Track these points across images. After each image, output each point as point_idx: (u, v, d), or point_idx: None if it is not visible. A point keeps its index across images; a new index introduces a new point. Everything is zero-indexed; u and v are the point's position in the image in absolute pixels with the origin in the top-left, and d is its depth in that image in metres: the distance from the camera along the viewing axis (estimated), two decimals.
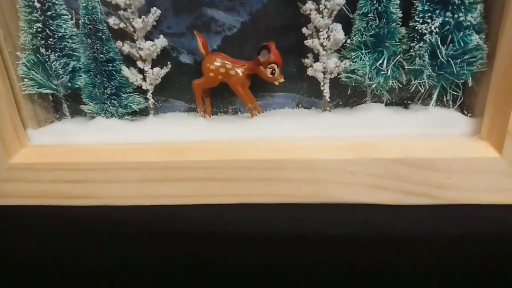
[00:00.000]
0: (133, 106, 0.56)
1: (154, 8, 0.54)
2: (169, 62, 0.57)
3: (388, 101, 0.55)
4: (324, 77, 0.53)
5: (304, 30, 0.53)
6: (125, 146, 0.55)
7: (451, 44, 0.47)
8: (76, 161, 0.54)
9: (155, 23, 0.55)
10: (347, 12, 0.51)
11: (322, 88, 0.54)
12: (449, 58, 0.48)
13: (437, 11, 0.47)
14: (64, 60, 0.53)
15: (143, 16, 0.52)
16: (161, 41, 0.55)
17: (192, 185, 0.53)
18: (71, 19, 0.55)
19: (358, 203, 0.50)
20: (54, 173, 0.55)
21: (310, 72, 0.53)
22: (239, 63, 0.55)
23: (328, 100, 0.55)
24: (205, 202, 0.54)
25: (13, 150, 0.56)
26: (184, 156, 0.53)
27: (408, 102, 0.56)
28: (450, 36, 0.47)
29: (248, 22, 0.55)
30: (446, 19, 0.46)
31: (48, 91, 0.55)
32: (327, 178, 0.50)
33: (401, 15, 0.49)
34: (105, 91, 0.54)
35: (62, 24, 0.53)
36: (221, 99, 0.60)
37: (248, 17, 0.55)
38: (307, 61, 0.54)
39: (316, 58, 0.53)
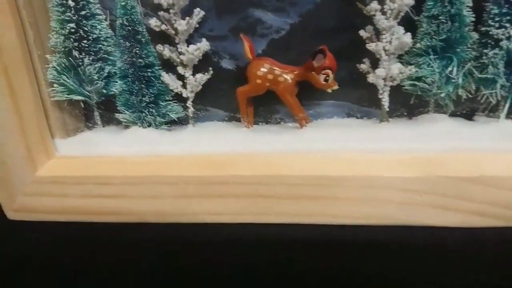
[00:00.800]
0: (171, 115, 0.52)
1: (198, 9, 0.49)
2: (210, 68, 0.52)
3: (452, 112, 0.50)
4: (384, 84, 0.48)
5: (362, 32, 0.48)
6: (162, 158, 0.50)
7: None
8: (108, 174, 0.50)
9: (197, 25, 0.50)
10: (410, 14, 0.47)
11: (380, 97, 0.49)
12: None
13: None
14: (99, 65, 0.49)
15: (187, 18, 0.48)
16: (204, 45, 0.50)
17: (235, 202, 0.48)
18: (105, 19, 0.50)
19: (423, 225, 0.46)
20: (84, 187, 0.50)
21: (371, 79, 0.48)
22: (288, 68, 0.50)
23: (387, 109, 0.50)
24: (249, 220, 0.49)
25: (39, 161, 0.51)
26: (227, 170, 0.48)
27: (473, 112, 0.51)
28: None
29: (297, 23, 0.51)
30: None
31: (79, 97, 0.51)
32: (389, 197, 0.45)
33: (474, 18, 0.45)
34: (143, 98, 0.50)
35: (96, 24, 0.48)
36: (263, 108, 0.56)
37: (298, 19, 0.50)
38: (363, 66, 0.50)
39: (374, 64, 0.49)
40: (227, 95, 0.54)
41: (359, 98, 0.53)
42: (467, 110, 0.51)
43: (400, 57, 0.48)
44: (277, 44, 0.52)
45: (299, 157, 0.49)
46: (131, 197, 0.50)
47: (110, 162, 0.51)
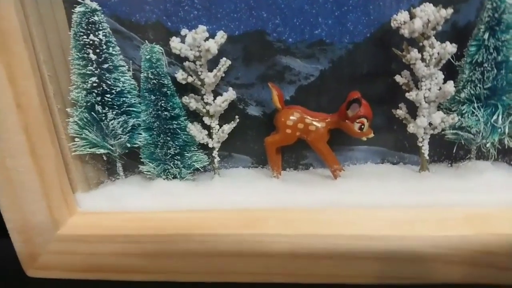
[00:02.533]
0: (196, 165, 0.49)
1: (224, 58, 0.47)
2: (237, 116, 0.50)
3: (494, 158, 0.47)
4: (425, 133, 0.46)
5: (398, 78, 0.45)
6: (188, 214, 0.47)
7: None
8: (132, 232, 0.47)
9: (223, 75, 0.48)
10: (451, 60, 0.44)
11: (420, 145, 0.47)
12: None
13: None
14: (123, 118, 0.47)
15: (214, 70, 0.46)
16: (230, 95, 0.48)
17: (268, 261, 0.45)
18: (128, 70, 0.49)
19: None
20: (108, 246, 0.47)
21: (411, 129, 0.45)
22: (319, 116, 0.48)
23: (427, 158, 0.47)
24: (283, 281, 0.46)
25: (61, 218, 0.49)
26: (259, 228, 0.45)
27: None
28: None
29: (328, 70, 0.48)
30: None
31: (102, 151, 0.49)
32: (435, 258, 0.42)
33: None
34: (168, 151, 0.47)
35: (120, 77, 0.46)
36: (290, 153, 0.53)
37: (329, 65, 0.48)
38: (400, 112, 0.47)
39: (410, 108, 0.46)
40: (253, 141, 0.52)
41: (394, 144, 0.51)
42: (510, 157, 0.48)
43: (440, 103, 0.45)
44: (306, 90, 0.50)
45: (336, 213, 0.45)
46: (160, 256, 0.47)
47: (135, 219, 0.48)
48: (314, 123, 0.47)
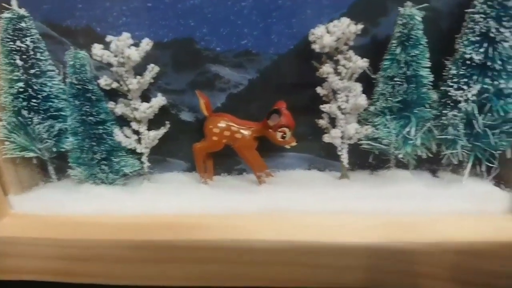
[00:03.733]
0: (125, 170, 0.50)
1: (152, 65, 0.48)
2: (167, 122, 0.51)
3: (414, 167, 0.49)
4: (342, 142, 0.47)
5: (319, 89, 0.47)
6: (115, 219, 0.48)
7: (489, 113, 0.41)
8: (63, 236, 0.47)
9: (152, 81, 0.49)
10: (368, 72, 0.46)
11: (339, 153, 0.48)
12: (486, 128, 0.42)
13: (474, 77, 0.41)
14: (49, 123, 0.48)
15: (138, 77, 0.46)
16: (159, 100, 0.49)
17: (187, 268, 0.46)
18: (59, 73, 0.49)
19: None
20: (38, 248, 0.48)
21: (326, 139, 0.47)
22: (246, 125, 0.49)
23: (347, 166, 0.49)
24: (216, 284, 0.47)
25: None
26: (181, 235, 0.46)
27: (436, 169, 0.49)
28: (489, 104, 0.41)
29: (256, 79, 0.50)
30: (485, 86, 0.40)
31: (31, 154, 0.49)
32: (354, 263, 0.43)
33: (433, 78, 0.43)
34: (95, 156, 0.48)
35: (47, 82, 0.47)
36: (224, 158, 0.54)
37: (256, 74, 0.49)
38: (322, 122, 0.48)
39: (333, 120, 0.47)
40: (187, 146, 0.53)
41: (320, 151, 0.52)
42: (431, 166, 0.50)
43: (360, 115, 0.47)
44: (236, 98, 0.51)
45: (257, 219, 0.47)
46: (88, 260, 0.48)
47: (62, 223, 0.49)
48: (241, 131, 0.48)
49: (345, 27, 0.41)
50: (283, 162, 0.54)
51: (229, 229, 0.46)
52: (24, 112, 0.46)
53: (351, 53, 0.44)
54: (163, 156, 0.54)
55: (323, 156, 0.53)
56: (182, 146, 0.54)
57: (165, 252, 0.46)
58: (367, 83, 0.46)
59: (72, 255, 0.47)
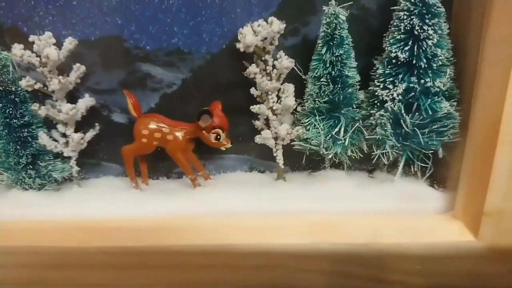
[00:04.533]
0: (54, 175, 0.48)
1: (77, 64, 0.46)
2: (97, 124, 0.49)
3: (349, 166, 0.48)
4: (276, 143, 0.46)
5: (252, 90, 0.46)
6: (39, 225, 0.46)
7: (417, 113, 0.41)
8: None
9: (79, 81, 0.47)
10: (299, 73, 0.45)
11: (274, 155, 0.47)
12: (415, 128, 0.41)
13: (400, 76, 0.40)
14: None
15: (60, 77, 0.45)
16: (86, 101, 0.47)
17: (116, 272, 0.45)
18: None
19: None
20: None
21: (258, 140, 0.46)
22: (178, 126, 0.47)
23: (282, 167, 0.48)
24: None
25: None
26: (108, 240, 0.45)
27: (372, 168, 0.49)
28: (416, 103, 0.40)
29: (190, 79, 0.48)
30: (411, 84, 0.40)
31: None
32: (283, 264, 0.42)
33: (359, 78, 0.43)
34: (20, 160, 0.46)
35: None
36: (162, 161, 0.53)
37: (190, 74, 0.48)
38: (257, 123, 0.47)
39: (268, 121, 0.46)
40: (121, 149, 0.51)
41: (259, 153, 0.51)
42: (368, 166, 0.49)
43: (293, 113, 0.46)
44: (170, 98, 0.49)
45: (190, 223, 0.45)
46: (7, 266, 0.46)
47: None
48: (173, 132, 0.47)
49: (268, 27, 0.40)
50: (223, 164, 0.53)
51: (161, 233, 0.45)
52: None
53: (281, 53, 0.43)
54: (97, 160, 0.53)
55: (262, 158, 0.52)
56: (116, 149, 0.51)
57: (91, 258, 0.44)
58: (300, 84, 0.45)
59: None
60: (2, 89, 0.44)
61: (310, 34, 0.45)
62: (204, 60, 0.47)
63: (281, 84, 0.44)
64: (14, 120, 0.45)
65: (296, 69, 0.44)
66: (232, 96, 0.48)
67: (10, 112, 0.45)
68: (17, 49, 0.43)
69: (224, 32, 0.46)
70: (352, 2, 0.41)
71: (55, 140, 0.48)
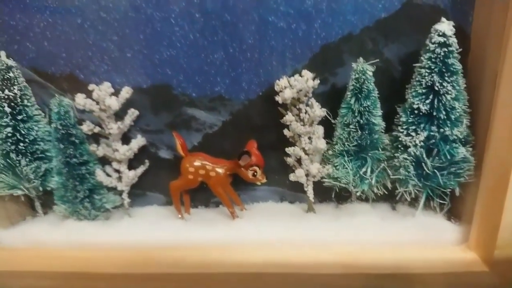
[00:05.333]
0: (107, 206, 0.54)
1: (132, 109, 0.52)
2: (147, 161, 0.55)
3: (374, 199, 0.53)
4: (307, 180, 0.51)
5: (285, 132, 0.51)
6: (95, 253, 0.51)
7: (437, 157, 0.46)
8: (46, 269, 0.51)
9: (132, 123, 0.53)
10: (328, 117, 0.50)
11: (305, 189, 0.52)
12: (435, 170, 0.46)
13: (422, 125, 0.45)
14: (36, 164, 0.51)
15: (118, 122, 0.50)
16: (139, 141, 0.53)
17: None
18: (44, 116, 0.53)
19: None
20: (23, 281, 0.51)
21: (292, 178, 0.51)
22: (219, 163, 0.53)
23: (313, 201, 0.53)
24: None
25: None
26: (159, 267, 0.50)
27: (395, 202, 0.54)
28: (436, 149, 0.46)
29: (229, 121, 0.54)
30: (432, 133, 0.45)
31: (19, 192, 0.53)
32: None
33: (384, 124, 0.48)
34: (78, 194, 0.52)
35: (34, 126, 0.51)
36: (202, 191, 0.58)
37: (229, 117, 0.54)
38: (289, 160, 0.53)
39: (299, 158, 0.52)
40: (165, 181, 0.56)
41: (289, 185, 0.56)
42: (390, 200, 0.54)
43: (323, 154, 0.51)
44: (211, 138, 0.55)
45: (229, 251, 0.50)
46: None
47: (46, 256, 0.52)
48: (215, 169, 0.52)
49: (304, 82, 0.45)
50: (256, 195, 0.58)
51: (204, 260, 0.50)
52: (13, 155, 0.50)
53: (312, 100, 0.48)
54: (143, 190, 0.58)
55: (292, 190, 0.57)
56: (160, 181, 0.57)
57: (142, 283, 0.49)
58: (328, 125, 0.50)
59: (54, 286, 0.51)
60: (64, 132, 0.50)
61: (338, 83, 0.51)
62: (242, 105, 0.53)
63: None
64: (74, 159, 0.51)
65: (327, 115, 0.49)
66: (266, 135, 0.54)
67: (70, 152, 0.50)
68: (80, 98, 0.48)
69: (260, 81, 0.51)
70: (378, 60, 0.46)
71: (109, 175, 0.53)
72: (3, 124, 0.49)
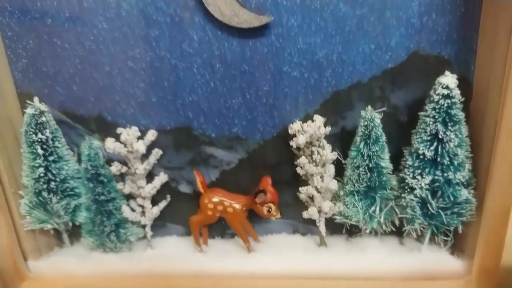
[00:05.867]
0: (131, 239, 0.57)
1: (156, 149, 0.56)
2: (168, 196, 0.59)
3: (382, 233, 0.56)
4: (319, 216, 0.55)
5: (298, 170, 0.55)
6: (119, 283, 0.55)
7: (441, 198, 0.49)
8: None
9: (156, 162, 0.57)
10: (339, 157, 0.54)
11: (317, 225, 0.56)
12: (440, 210, 0.49)
13: (427, 169, 0.49)
14: (66, 201, 0.55)
15: (144, 163, 0.54)
16: (161, 178, 0.57)
17: None
18: (73, 155, 0.57)
19: None
20: None
21: (305, 215, 0.54)
22: (236, 199, 0.56)
23: (324, 235, 0.56)
24: None
25: (13, 285, 0.56)
26: None
27: (403, 237, 0.57)
28: (440, 191, 0.49)
29: (245, 158, 0.57)
30: (436, 177, 0.48)
31: (49, 226, 0.56)
32: None
33: (392, 166, 0.51)
34: (105, 228, 0.55)
35: (64, 166, 0.54)
36: (219, 222, 0.61)
37: (246, 155, 0.57)
38: (302, 196, 0.56)
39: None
40: (185, 213, 0.60)
41: (302, 218, 0.60)
42: (398, 235, 0.58)
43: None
44: (228, 174, 0.59)
45: (245, 283, 0.54)
46: None
47: (75, 285, 0.56)
48: (232, 205, 0.56)
49: (316, 128, 0.49)
50: (270, 227, 0.61)
51: None
52: (44, 194, 0.54)
53: (323, 141, 0.52)
54: (164, 221, 0.62)
55: (305, 222, 0.60)
56: (180, 213, 0.61)
57: None
58: (339, 164, 0.54)
59: None
60: (93, 172, 0.53)
61: (348, 125, 0.54)
62: (258, 144, 0.56)
63: None
64: (102, 197, 0.54)
65: (337, 155, 0.53)
66: (280, 171, 0.57)
67: (99, 190, 0.54)
68: (109, 142, 0.52)
69: (275, 123, 0.55)
70: (385, 108, 0.50)
71: (133, 210, 0.57)
72: (36, 165, 0.53)
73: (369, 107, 0.49)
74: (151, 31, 0.51)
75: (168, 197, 0.59)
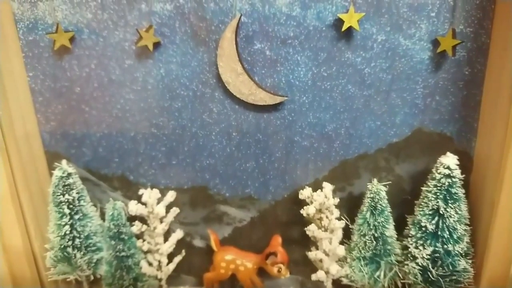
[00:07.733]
0: None
1: (174, 208, 0.60)
2: (183, 250, 0.62)
3: None
4: (327, 277, 0.58)
5: (308, 232, 0.58)
6: None
7: (441, 267, 0.52)
8: None
9: (173, 219, 0.60)
10: (346, 222, 0.57)
11: (325, 285, 0.59)
12: (439, 277, 0.53)
13: (428, 241, 0.52)
14: (89, 256, 0.58)
15: (163, 223, 0.58)
16: (178, 235, 0.60)
17: None
18: (96, 211, 0.60)
19: None
20: None
21: (314, 278, 0.58)
22: (248, 257, 0.60)
23: None
24: None
25: None
26: None
27: None
28: (440, 260, 0.52)
29: (257, 217, 0.61)
30: (436, 248, 0.52)
31: (72, 277, 0.60)
32: None
33: (396, 235, 0.55)
34: (124, 282, 0.59)
35: (88, 223, 0.58)
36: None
37: (257, 213, 0.61)
38: (310, 255, 0.59)
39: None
40: (197, 265, 0.64)
41: (309, 275, 0.63)
42: None
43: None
44: (240, 231, 0.62)
45: None
46: None
47: None
48: (244, 263, 0.59)
49: (325, 198, 0.53)
50: (279, 282, 0.64)
51: None
52: (69, 249, 0.57)
53: (332, 207, 0.55)
54: (178, 272, 0.65)
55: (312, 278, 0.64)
56: (193, 265, 0.64)
57: None
58: (347, 227, 0.58)
59: None
60: (116, 231, 0.57)
61: (355, 191, 0.58)
62: (269, 204, 0.60)
63: None
64: (122, 253, 0.58)
65: (344, 219, 0.57)
66: (290, 230, 0.61)
67: (120, 247, 0.57)
68: (132, 205, 0.56)
69: (286, 186, 0.59)
70: (390, 182, 0.54)
71: (150, 263, 0.61)
72: (62, 223, 0.57)
73: (375, 180, 0.53)
74: (175, 103, 0.56)
75: (183, 252, 0.62)
